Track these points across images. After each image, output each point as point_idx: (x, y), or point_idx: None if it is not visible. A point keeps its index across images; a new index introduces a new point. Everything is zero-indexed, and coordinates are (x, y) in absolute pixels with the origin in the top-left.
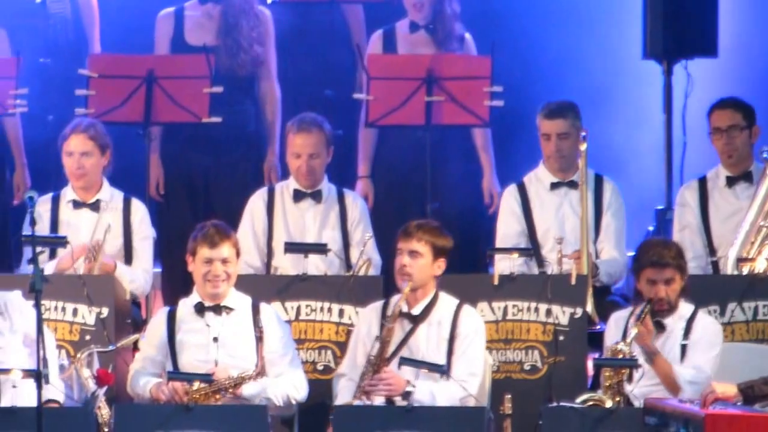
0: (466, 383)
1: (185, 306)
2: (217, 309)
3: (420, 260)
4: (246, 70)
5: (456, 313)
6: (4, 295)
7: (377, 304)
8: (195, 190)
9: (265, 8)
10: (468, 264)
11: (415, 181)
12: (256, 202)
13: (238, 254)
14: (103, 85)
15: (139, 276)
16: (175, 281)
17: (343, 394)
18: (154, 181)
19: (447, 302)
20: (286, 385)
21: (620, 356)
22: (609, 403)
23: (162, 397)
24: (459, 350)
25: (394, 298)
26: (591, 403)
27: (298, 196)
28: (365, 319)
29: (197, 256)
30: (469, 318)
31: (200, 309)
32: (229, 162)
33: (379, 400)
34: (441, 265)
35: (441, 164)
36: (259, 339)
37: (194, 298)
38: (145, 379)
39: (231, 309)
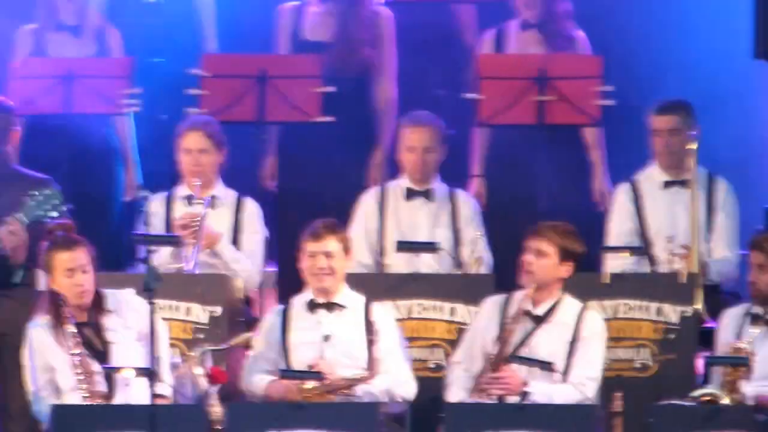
0: (584, 387)
1: (297, 303)
2: (329, 306)
3: (544, 260)
4: (356, 71)
5: (580, 316)
6: (118, 293)
7: (498, 298)
8: (309, 189)
9: (385, 8)
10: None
11: (527, 179)
12: (368, 200)
13: (347, 251)
14: (215, 84)
15: (244, 260)
16: (289, 281)
17: (457, 385)
18: (269, 180)
19: (571, 305)
20: (393, 382)
21: (741, 354)
22: (726, 400)
23: (275, 395)
24: (579, 353)
25: (517, 295)
26: (706, 398)
27: (410, 194)
28: (485, 312)
29: (304, 250)
30: (593, 321)
31: (312, 306)
32: (341, 161)
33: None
34: (569, 268)
35: (552, 163)
36: (371, 338)
37: (306, 295)
38: (258, 376)
39: (343, 306)
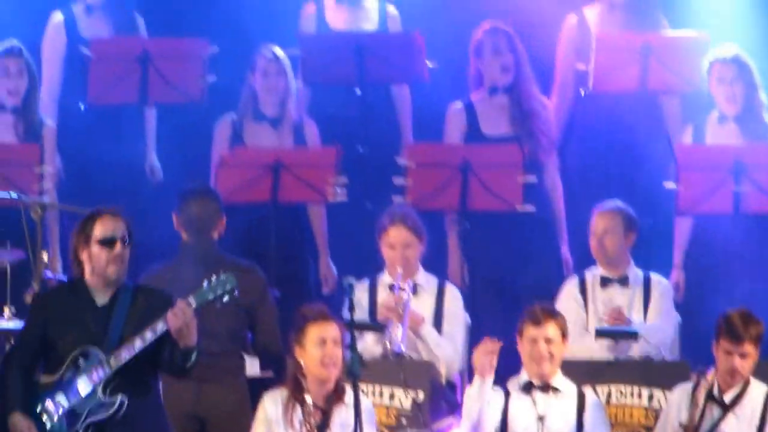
0: None
1: (513, 384)
2: (545, 388)
3: (750, 360)
4: (546, 154)
5: (766, 401)
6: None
7: (686, 386)
8: (499, 275)
9: (544, 97)
10: None
11: (725, 268)
12: (571, 289)
13: (564, 336)
14: (419, 173)
15: (446, 345)
16: None
17: None
18: (456, 268)
19: (758, 389)
20: None
21: None
22: None
23: None
24: None
25: (705, 383)
26: None
27: (605, 282)
28: (675, 399)
29: (524, 335)
30: None
31: (528, 388)
32: (530, 249)
33: None
34: (757, 354)
35: (754, 252)
36: (581, 424)
37: (523, 377)
38: None
39: (558, 390)
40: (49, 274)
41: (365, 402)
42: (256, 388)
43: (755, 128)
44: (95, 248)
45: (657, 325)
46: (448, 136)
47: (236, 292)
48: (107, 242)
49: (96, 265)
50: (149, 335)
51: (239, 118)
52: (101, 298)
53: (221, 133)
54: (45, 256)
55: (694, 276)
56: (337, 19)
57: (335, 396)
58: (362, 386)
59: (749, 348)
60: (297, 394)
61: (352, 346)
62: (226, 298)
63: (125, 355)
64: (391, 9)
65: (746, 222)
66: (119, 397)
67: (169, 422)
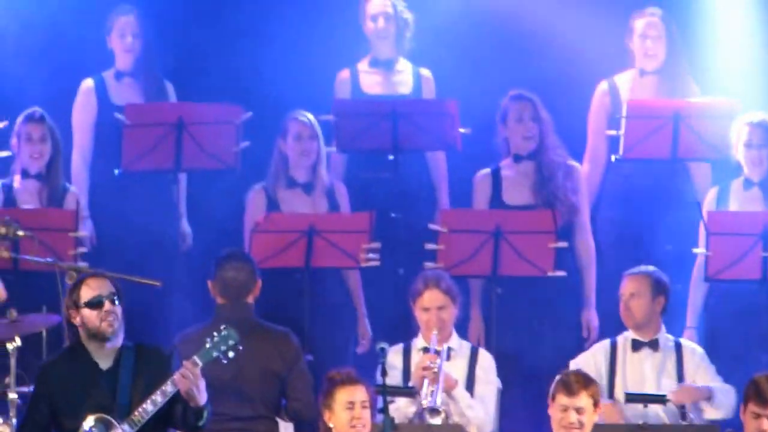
0: None
1: None
2: None
3: None
4: (563, 220)
5: None
6: None
7: None
8: (525, 339)
9: (575, 163)
10: None
11: (750, 332)
12: (597, 355)
13: (596, 405)
14: (452, 239)
15: (477, 407)
16: None
17: None
18: (475, 333)
19: None
20: None
21: None
22: None
23: None
24: None
25: None
26: None
27: (636, 345)
28: None
29: (556, 402)
30: None
31: None
32: (556, 314)
33: None
34: None
35: None
36: None
37: None
38: None
39: None
40: None
41: None
42: None
43: None
44: (85, 311)
45: (727, 388)
46: (476, 203)
47: (239, 346)
48: (94, 304)
49: (90, 327)
50: (160, 399)
51: (271, 186)
52: (104, 362)
53: (255, 202)
54: None
55: (717, 341)
56: (371, 83)
57: None
58: None
59: None
60: None
61: (384, 410)
62: (230, 354)
63: (139, 418)
64: (425, 72)
65: None
66: None
67: None
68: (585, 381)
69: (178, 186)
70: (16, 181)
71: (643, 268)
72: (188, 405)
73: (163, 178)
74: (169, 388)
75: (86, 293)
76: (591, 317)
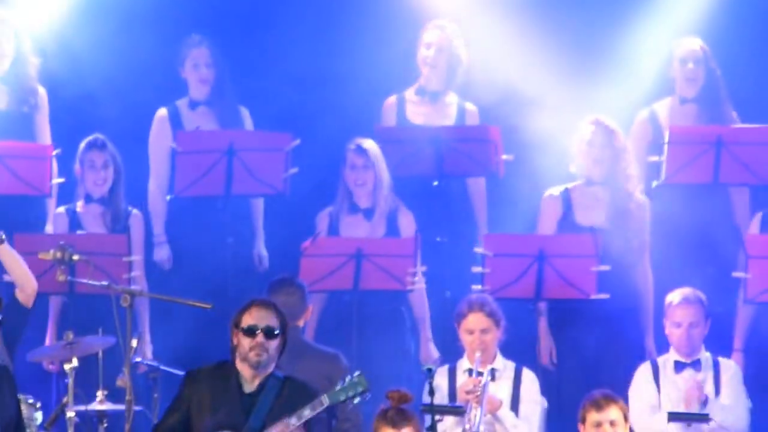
0: None
1: None
2: None
3: None
4: (632, 258)
5: None
6: None
7: None
8: (585, 361)
9: (642, 195)
10: None
11: None
12: (644, 372)
13: (626, 418)
14: (497, 262)
15: (522, 427)
16: None
17: None
18: (546, 352)
19: None
20: None
21: None
22: None
23: None
24: None
25: None
26: None
27: (679, 366)
28: None
29: (587, 421)
30: None
31: None
32: (614, 337)
33: None
34: None
35: None
36: None
37: None
38: None
39: None
40: (137, 359)
41: None
42: None
43: None
44: (241, 336)
45: (730, 407)
46: (543, 223)
47: (368, 395)
48: (249, 331)
49: (240, 352)
50: (294, 421)
51: (336, 211)
52: (249, 386)
53: (320, 226)
54: (134, 342)
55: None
56: (416, 113)
57: None
58: None
59: None
60: None
61: (432, 428)
62: (357, 400)
63: None
64: (470, 106)
65: None
66: None
67: None
68: (612, 396)
69: (254, 210)
70: (79, 206)
71: (694, 294)
72: None
73: (243, 202)
74: (306, 412)
75: (246, 320)
76: (650, 343)
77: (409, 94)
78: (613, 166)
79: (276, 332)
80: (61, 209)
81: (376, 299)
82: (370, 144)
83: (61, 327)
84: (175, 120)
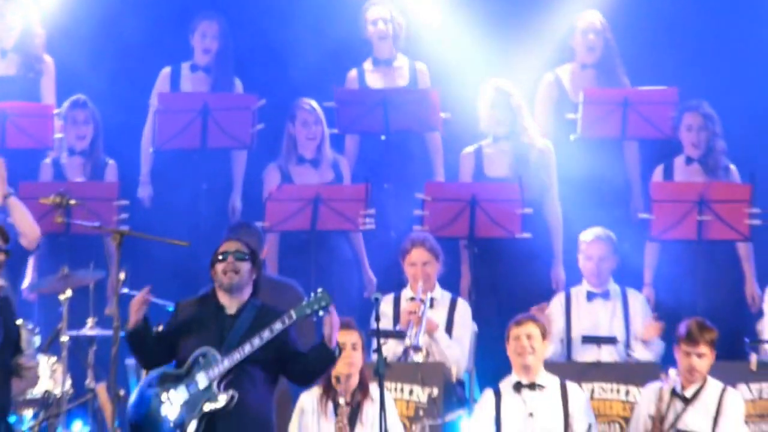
0: None
1: (506, 385)
2: (532, 386)
3: (705, 360)
4: (539, 199)
5: (721, 395)
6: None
7: (654, 386)
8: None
9: (547, 141)
10: (731, 353)
11: (688, 284)
12: (556, 305)
13: (544, 336)
14: (435, 206)
15: (455, 347)
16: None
17: None
18: (465, 285)
19: (714, 386)
20: None
21: None
22: None
23: None
24: (723, 426)
25: (669, 381)
26: None
27: (590, 296)
28: (645, 398)
29: (510, 336)
30: (732, 398)
31: (517, 387)
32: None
33: None
34: (713, 356)
35: (712, 273)
36: (567, 413)
37: (513, 378)
38: None
39: (543, 387)
40: (125, 290)
41: (388, 396)
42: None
43: (714, 168)
44: (217, 265)
45: (649, 343)
46: (461, 176)
47: (330, 307)
48: (222, 256)
49: (217, 279)
50: (266, 334)
51: (284, 163)
52: (230, 309)
53: (271, 177)
54: (123, 275)
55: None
56: (375, 80)
57: (363, 392)
58: (386, 384)
59: (705, 349)
60: (328, 390)
61: (377, 350)
62: (321, 313)
63: (237, 356)
64: (420, 66)
65: (708, 246)
66: (231, 392)
67: (275, 422)
68: (531, 316)
69: (235, 163)
70: (64, 157)
71: (604, 232)
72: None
73: (225, 155)
74: (277, 325)
75: (220, 250)
76: (559, 273)
77: (367, 65)
78: (512, 123)
79: (245, 256)
80: (47, 160)
81: (329, 237)
82: (315, 104)
83: (52, 263)
84: (174, 79)
